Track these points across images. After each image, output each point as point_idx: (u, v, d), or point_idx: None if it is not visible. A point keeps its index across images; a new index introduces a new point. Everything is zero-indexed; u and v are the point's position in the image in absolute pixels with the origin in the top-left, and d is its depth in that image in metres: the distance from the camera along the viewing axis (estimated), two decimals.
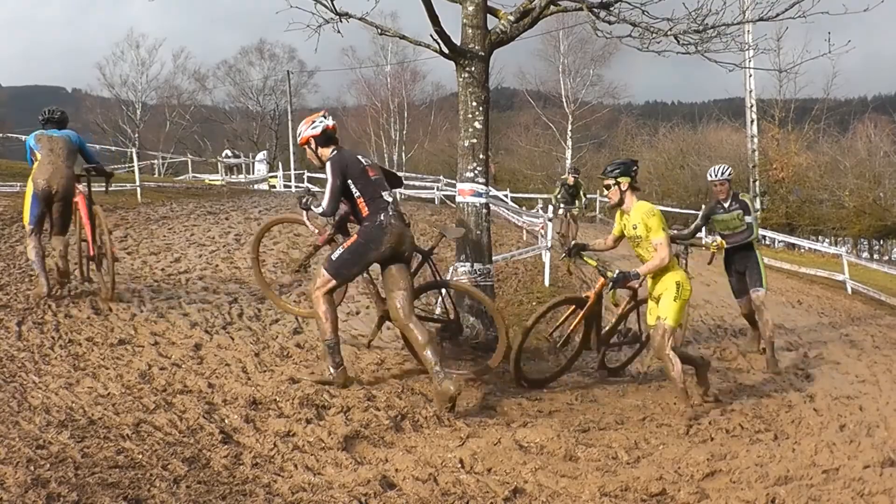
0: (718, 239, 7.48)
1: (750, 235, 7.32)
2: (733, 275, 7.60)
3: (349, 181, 5.08)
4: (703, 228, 8.00)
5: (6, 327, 5.62)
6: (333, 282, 5.08)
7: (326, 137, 5.25)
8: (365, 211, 5.10)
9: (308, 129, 5.27)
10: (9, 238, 8.76)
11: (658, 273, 5.42)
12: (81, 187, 6.73)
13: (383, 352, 6.21)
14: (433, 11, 6.11)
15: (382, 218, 5.06)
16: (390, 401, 4.86)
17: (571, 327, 6.24)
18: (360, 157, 5.31)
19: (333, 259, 5.09)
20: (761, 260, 7.43)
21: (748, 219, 7.29)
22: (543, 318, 6.34)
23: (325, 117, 5.32)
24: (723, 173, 7.39)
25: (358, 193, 5.10)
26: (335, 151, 5.21)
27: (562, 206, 14.07)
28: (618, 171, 5.46)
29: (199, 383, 4.81)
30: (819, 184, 29.25)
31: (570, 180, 14.17)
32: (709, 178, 7.52)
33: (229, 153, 27.96)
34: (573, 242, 6.22)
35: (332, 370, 5.04)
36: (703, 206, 7.98)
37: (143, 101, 43.00)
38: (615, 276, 5.44)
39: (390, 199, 5.19)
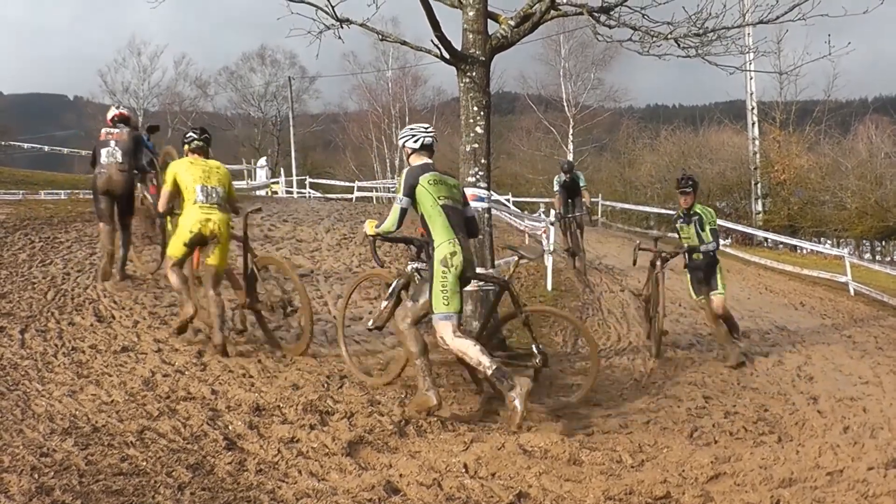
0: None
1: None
2: None
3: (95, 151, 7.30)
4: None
5: (9, 335, 5.63)
6: (98, 221, 7.30)
7: (113, 122, 7.42)
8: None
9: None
10: (11, 246, 8.77)
11: None
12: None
13: (386, 356, 6.20)
14: (434, 17, 6.12)
15: (96, 169, 7.14)
16: (394, 406, 4.86)
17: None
18: (107, 131, 7.27)
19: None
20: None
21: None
22: None
23: (116, 108, 7.73)
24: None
25: (97, 156, 7.21)
26: None
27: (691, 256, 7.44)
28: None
29: (202, 390, 4.81)
30: (821, 185, 29.16)
31: (683, 203, 7.51)
32: None
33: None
34: None
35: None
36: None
37: (145, 107, 43.02)
38: None
39: (104, 153, 7.13)
